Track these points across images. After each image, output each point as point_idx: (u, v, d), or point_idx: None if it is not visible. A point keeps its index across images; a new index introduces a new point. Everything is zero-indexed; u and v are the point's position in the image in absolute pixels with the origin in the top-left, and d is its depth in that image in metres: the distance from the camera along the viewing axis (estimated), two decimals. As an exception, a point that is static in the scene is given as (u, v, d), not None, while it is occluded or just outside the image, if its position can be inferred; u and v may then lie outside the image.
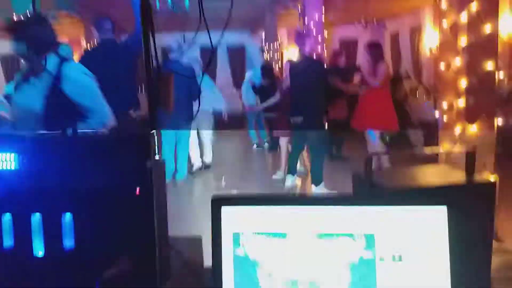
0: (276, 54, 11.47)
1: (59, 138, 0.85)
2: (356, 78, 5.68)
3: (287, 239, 0.88)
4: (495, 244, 1.33)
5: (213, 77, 12.87)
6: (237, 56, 14.21)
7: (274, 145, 7.72)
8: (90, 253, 0.85)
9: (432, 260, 0.86)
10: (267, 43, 11.19)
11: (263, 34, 11.70)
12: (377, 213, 0.87)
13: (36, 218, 0.86)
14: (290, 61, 5.56)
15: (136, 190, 0.81)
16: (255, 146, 8.19)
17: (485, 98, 3.50)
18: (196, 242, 1.16)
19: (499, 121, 3.59)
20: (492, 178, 1.17)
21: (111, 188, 0.81)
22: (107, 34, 4.01)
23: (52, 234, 0.86)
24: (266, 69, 7.75)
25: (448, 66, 3.61)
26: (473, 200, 1.04)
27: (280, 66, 11.78)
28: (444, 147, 3.54)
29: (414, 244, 0.86)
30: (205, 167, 6.28)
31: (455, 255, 0.85)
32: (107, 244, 0.84)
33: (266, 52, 11.28)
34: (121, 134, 0.84)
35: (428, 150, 1.76)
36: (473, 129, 3.58)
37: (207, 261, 1.12)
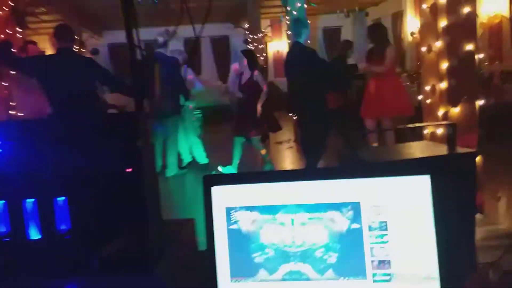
0: (260, 45, 11.45)
1: (48, 122, 0.86)
2: (361, 66, 5.34)
3: (278, 213, 0.91)
4: (480, 217, 1.38)
5: (198, 70, 12.79)
6: (222, 49, 14.14)
7: (264, 138, 7.68)
8: (85, 234, 0.86)
9: (417, 227, 0.89)
10: (251, 35, 11.16)
11: (247, 25, 11.65)
12: (363, 185, 0.91)
13: (30, 203, 0.87)
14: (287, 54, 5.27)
15: (127, 170, 0.83)
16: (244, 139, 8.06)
17: (466, 80, 3.56)
18: (189, 224, 1.18)
19: (480, 102, 3.65)
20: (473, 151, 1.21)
21: (103, 169, 0.83)
22: (67, 43, 4.05)
23: (47, 218, 0.87)
24: (252, 59, 7.67)
25: (429, 48, 3.66)
26: (455, 169, 1.08)
27: (264, 57, 11.77)
28: (428, 129, 3.60)
29: (400, 213, 0.90)
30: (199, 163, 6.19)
31: (439, 222, 0.89)
32: (102, 225, 0.86)
33: (250, 43, 11.25)
34: (109, 116, 0.85)
35: (411, 126, 1.80)
36: (456, 110, 3.64)
37: (201, 243, 1.15)
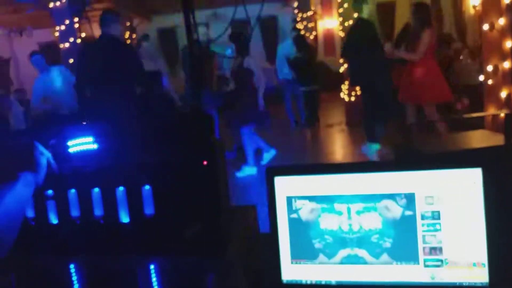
0: (309, 24, 11.29)
1: (136, 122, 1.00)
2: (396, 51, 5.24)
3: (335, 202, 0.99)
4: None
5: (246, 51, 12.78)
6: (269, 28, 14.00)
7: (313, 122, 7.60)
8: (167, 219, 1.00)
9: (469, 217, 0.94)
10: (300, 13, 11.00)
11: (296, 3, 11.49)
12: (417, 177, 0.96)
13: (120, 190, 1.02)
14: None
15: (203, 163, 0.95)
16: (293, 123, 7.99)
17: (532, 59, 3.37)
18: (252, 210, 1.30)
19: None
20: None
21: (183, 162, 0.96)
22: (111, 30, 3.96)
23: (135, 203, 1.02)
24: (300, 40, 7.55)
25: (492, 26, 3.49)
26: (509, 159, 1.10)
27: (314, 36, 11.60)
28: (488, 112, 3.47)
29: (452, 203, 0.95)
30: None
31: (490, 213, 0.93)
32: (181, 210, 0.99)
33: (300, 22, 11.11)
34: (188, 115, 0.98)
35: (468, 116, 1.79)
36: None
37: (262, 227, 1.26)
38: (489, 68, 3.65)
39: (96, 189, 1.04)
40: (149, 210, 1.01)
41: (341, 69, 7.54)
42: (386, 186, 0.98)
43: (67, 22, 6.36)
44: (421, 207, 0.96)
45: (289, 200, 1.02)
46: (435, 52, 4.97)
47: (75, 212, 1.06)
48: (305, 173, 1.03)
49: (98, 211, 1.05)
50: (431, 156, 1.11)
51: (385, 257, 0.97)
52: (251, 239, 1.22)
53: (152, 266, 1.01)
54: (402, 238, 0.97)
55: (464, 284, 0.94)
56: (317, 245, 1.00)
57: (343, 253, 0.99)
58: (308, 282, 1.01)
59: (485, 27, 3.58)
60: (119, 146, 1.02)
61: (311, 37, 10.85)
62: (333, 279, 1.00)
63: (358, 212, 0.98)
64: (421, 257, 0.96)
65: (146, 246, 1.03)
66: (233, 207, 1.19)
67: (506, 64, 3.42)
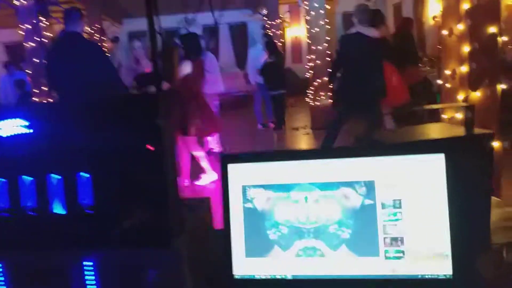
0: (278, 31, 11.38)
1: (73, 103, 0.90)
2: None
3: (291, 191, 0.93)
4: (498, 200, 1.37)
5: (216, 57, 12.71)
6: (239, 35, 14.11)
7: (279, 125, 7.63)
8: (107, 209, 0.90)
9: (431, 205, 0.90)
10: (269, 21, 11.10)
11: (265, 11, 11.59)
12: (377, 163, 0.91)
13: (54, 179, 0.92)
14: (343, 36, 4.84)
15: (147, 146, 0.86)
16: (260, 126, 8.01)
17: (488, 64, 3.48)
18: (206, 202, 1.22)
19: (502, 87, 3.57)
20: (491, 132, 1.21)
21: (124, 147, 0.86)
22: (74, 27, 3.82)
23: (71, 193, 0.91)
24: (271, 45, 7.55)
25: (451, 31, 3.58)
26: (470, 149, 1.08)
27: (282, 43, 11.70)
28: (447, 113, 3.55)
29: (414, 191, 0.90)
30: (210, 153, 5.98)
31: (453, 200, 0.89)
32: (123, 200, 0.89)
33: (268, 29, 11.17)
34: (131, 95, 0.89)
35: (428, 107, 1.79)
36: (476, 95, 3.58)
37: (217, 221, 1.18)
38: (447, 72, 3.74)
39: (26, 178, 0.93)
40: (86, 199, 0.90)
41: (308, 75, 7.60)
42: (345, 174, 0.92)
43: (33, 21, 6.09)
44: (381, 195, 0.91)
45: (244, 189, 0.95)
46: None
47: (2, 204, 0.94)
48: (260, 160, 0.96)
49: (28, 202, 0.94)
50: (392, 145, 1.07)
51: (343, 248, 0.91)
52: (204, 232, 1.14)
53: (90, 263, 0.91)
54: (362, 229, 0.91)
55: (427, 276, 0.89)
56: (272, 236, 0.93)
57: (299, 244, 0.92)
58: (263, 277, 0.94)
59: (444, 32, 3.67)
60: (55, 130, 0.91)
61: (279, 44, 10.94)
62: (288, 273, 0.93)
63: (316, 201, 0.92)
64: (382, 248, 0.91)
65: (82, 238, 0.92)
66: (184, 198, 1.11)
67: (463, 68, 3.51)
